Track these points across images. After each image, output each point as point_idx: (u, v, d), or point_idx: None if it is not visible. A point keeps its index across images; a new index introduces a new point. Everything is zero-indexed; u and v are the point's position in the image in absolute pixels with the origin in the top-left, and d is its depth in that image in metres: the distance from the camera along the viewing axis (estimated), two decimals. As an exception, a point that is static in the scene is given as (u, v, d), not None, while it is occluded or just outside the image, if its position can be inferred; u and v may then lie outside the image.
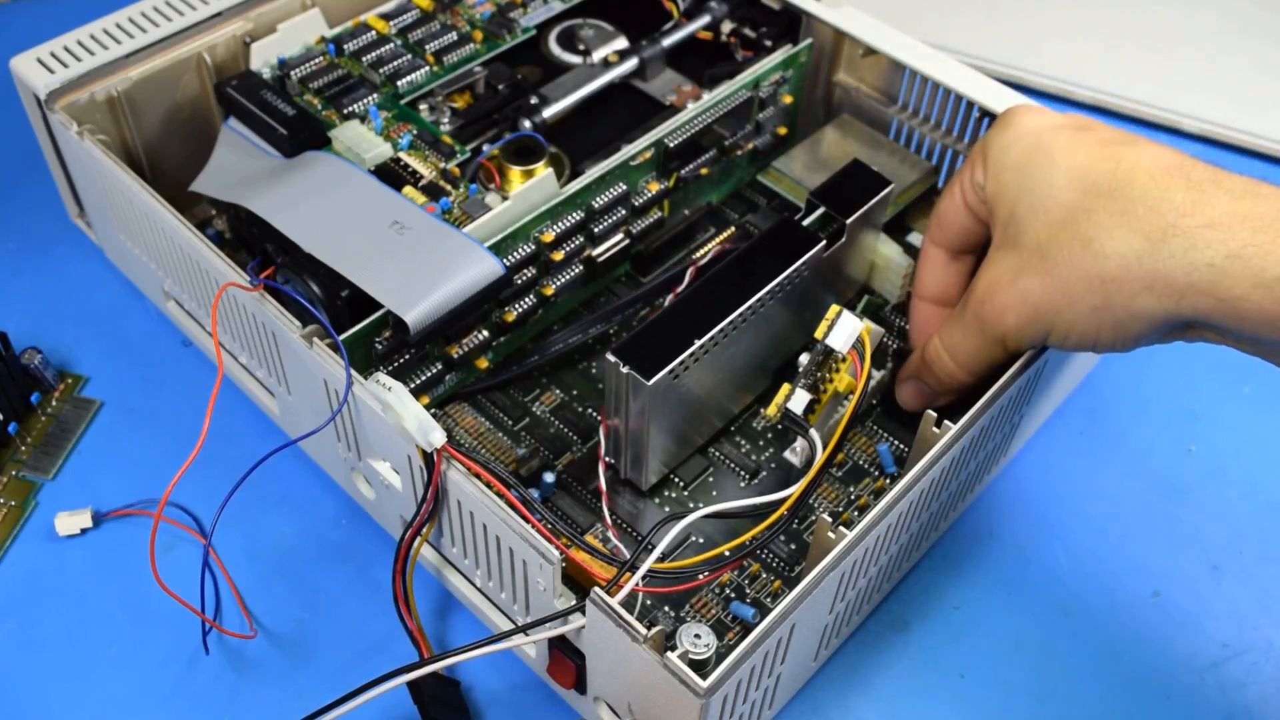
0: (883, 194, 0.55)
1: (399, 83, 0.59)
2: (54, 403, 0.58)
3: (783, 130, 0.65)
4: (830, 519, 0.43)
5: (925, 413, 0.47)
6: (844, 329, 0.46)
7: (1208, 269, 0.40)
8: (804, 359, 0.48)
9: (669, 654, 0.39)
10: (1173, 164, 0.42)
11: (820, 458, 0.45)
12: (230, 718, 0.48)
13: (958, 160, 0.63)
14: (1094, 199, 0.43)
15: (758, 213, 0.65)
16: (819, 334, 0.47)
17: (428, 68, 0.60)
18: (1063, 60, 0.79)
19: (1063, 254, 0.43)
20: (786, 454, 0.53)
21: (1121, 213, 0.42)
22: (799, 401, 0.47)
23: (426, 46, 0.61)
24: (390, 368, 0.51)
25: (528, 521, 0.43)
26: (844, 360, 0.47)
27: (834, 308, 0.47)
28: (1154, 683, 0.50)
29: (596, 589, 0.40)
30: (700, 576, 0.44)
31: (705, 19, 0.67)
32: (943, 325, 0.49)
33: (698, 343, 0.48)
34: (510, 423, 0.55)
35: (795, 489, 0.44)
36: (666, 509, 0.53)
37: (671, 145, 0.59)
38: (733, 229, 0.64)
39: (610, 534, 0.51)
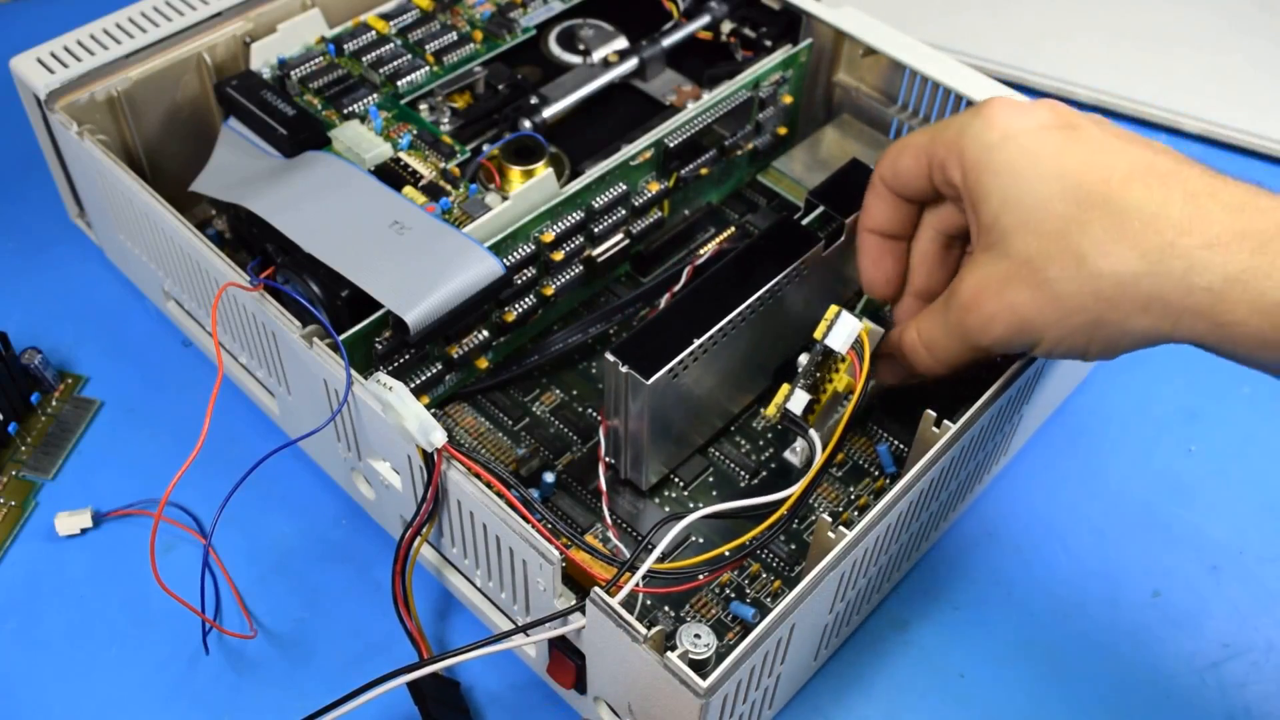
0: (883, 194, 0.55)
1: (399, 83, 0.59)
2: (54, 403, 0.58)
3: (783, 130, 0.65)
4: (830, 519, 0.43)
5: (925, 412, 0.47)
6: (843, 329, 0.46)
7: (1205, 293, 0.38)
8: (803, 359, 0.48)
9: (669, 654, 0.39)
10: (1168, 171, 0.41)
11: (820, 458, 0.45)
12: (230, 718, 0.48)
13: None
14: (1087, 210, 0.41)
15: (758, 213, 0.65)
16: (818, 334, 0.47)
17: (428, 68, 0.60)
18: (1063, 60, 0.79)
19: (1054, 268, 0.41)
20: (786, 454, 0.53)
21: (1116, 227, 0.40)
22: (798, 402, 0.47)
23: (426, 46, 0.61)
24: (390, 368, 0.51)
25: (528, 521, 0.43)
26: (843, 360, 0.47)
27: (833, 308, 0.47)
28: (1154, 683, 0.50)
29: (596, 589, 0.40)
30: (700, 577, 0.44)
31: (705, 19, 0.67)
32: (922, 318, 0.47)
33: (697, 342, 0.48)
34: (510, 423, 0.55)
35: (795, 489, 0.44)
36: (666, 509, 0.53)
37: (671, 145, 0.58)
38: (733, 229, 0.64)
39: (610, 534, 0.51)
